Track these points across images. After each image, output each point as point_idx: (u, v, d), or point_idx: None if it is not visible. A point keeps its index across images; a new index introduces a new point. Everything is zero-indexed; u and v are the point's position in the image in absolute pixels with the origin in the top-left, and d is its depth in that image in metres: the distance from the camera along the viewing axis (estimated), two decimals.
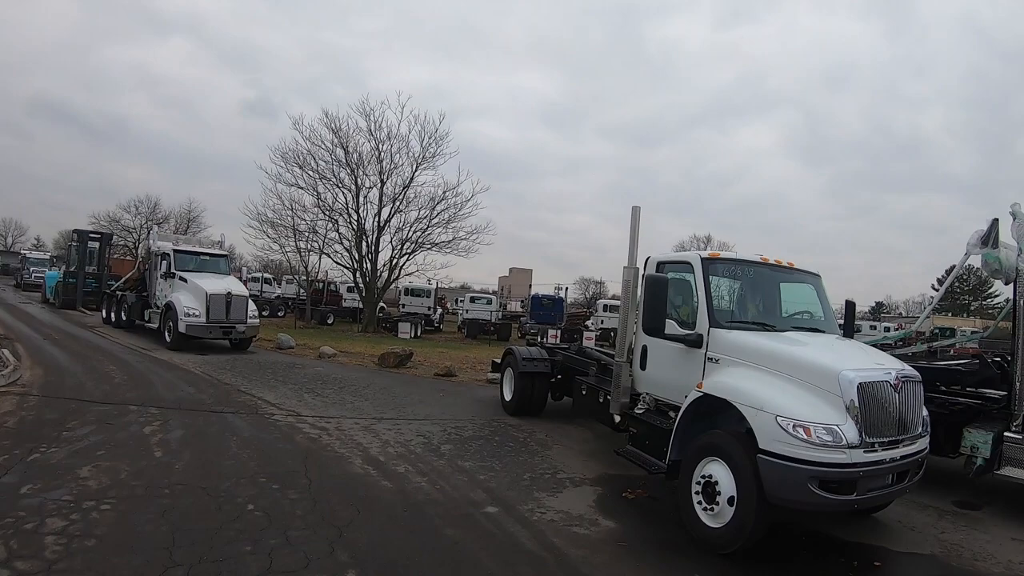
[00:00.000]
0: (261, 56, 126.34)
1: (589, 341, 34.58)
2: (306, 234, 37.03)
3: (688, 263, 8.01)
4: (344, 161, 36.71)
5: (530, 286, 47.76)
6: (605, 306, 46.53)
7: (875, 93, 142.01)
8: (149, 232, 26.25)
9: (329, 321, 38.78)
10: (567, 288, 50.82)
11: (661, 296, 7.64)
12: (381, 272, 37.83)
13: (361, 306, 39.00)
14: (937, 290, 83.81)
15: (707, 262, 7.87)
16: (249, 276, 46.94)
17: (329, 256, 37.80)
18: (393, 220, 37.72)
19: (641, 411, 8.35)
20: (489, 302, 43.61)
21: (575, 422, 12.23)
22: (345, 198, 37.22)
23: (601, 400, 9.53)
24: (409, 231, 37.50)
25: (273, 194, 36.59)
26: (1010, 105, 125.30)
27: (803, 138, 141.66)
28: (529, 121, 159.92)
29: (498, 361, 13.88)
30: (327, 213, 36.97)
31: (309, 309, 38.77)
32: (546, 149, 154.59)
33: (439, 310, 44.96)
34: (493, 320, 40.65)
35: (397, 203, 37.44)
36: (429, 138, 37.48)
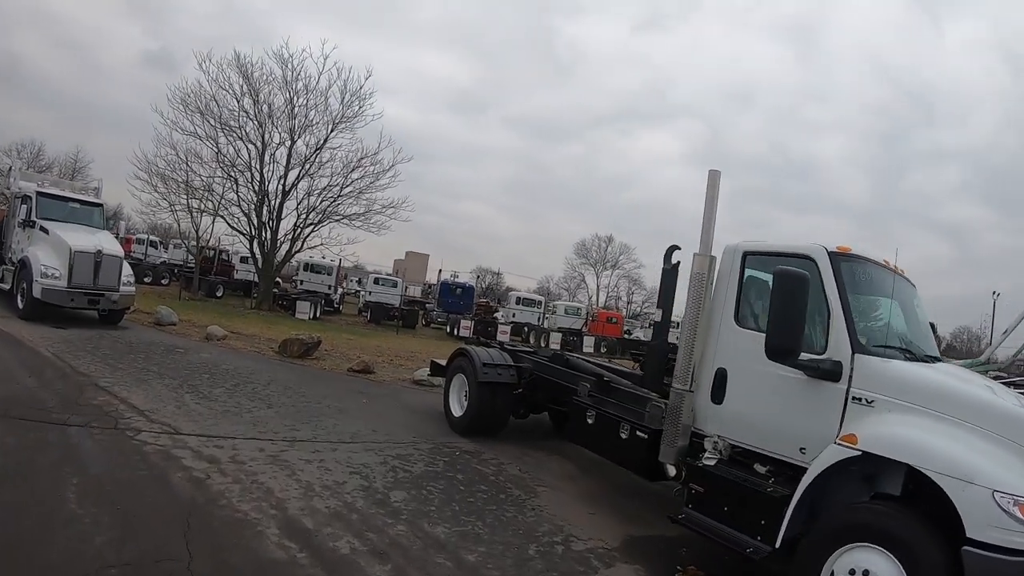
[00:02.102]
0: (166, 4, 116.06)
1: (504, 336, 32.08)
2: (200, 191, 32.13)
3: (809, 258, 5.54)
4: (252, 112, 32.06)
5: (440, 271, 44.51)
6: (518, 299, 43.74)
7: (777, 114, 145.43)
8: (10, 169, 21.49)
9: (218, 294, 34.34)
10: (477, 276, 47.99)
11: (801, 302, 5.08)
12: (281, 242, 33.48)
13: (256, 279, 34.61)
14: None
15: (838, 259, 5.50)
16: (127, 235, 41.77)
17: (225, 220, 32.95)
18: (301, 184, 33.43)
19: (712, 462, 5.74)
20: (395, 285, 39.95)
21: (542, 445, 9.55)
22: (249, 153, 32.54)
23: (625, 436, 6.82)
24: (317, 199, 33.32)
25: (167, 144, 31.36)
26: (905, 141, 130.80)
27: (703, 149, 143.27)
28: (433, 104, 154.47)
29: (440, 363, 10.89)
30: (227, 169, 32.16)
31: (197, 279, 34.18)
32: (448, 134, 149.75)
33: (339, 290, 41.19)
34: (399, 305, 37.17)
35: (307, 165, 33.16)
36: (351, 96, 33.22)
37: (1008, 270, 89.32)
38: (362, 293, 44.38)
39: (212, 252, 38.84)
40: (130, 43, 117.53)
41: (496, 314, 44.03)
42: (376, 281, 40.23)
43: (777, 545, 4.90)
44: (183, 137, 31.43)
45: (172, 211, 32.83)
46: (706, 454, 5.84)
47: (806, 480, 4.88)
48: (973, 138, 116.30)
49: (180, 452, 6.64)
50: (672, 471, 6.21)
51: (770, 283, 6.07)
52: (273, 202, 32.99)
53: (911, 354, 5.47)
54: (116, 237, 19.11)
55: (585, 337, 37.67)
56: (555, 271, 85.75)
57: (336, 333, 24.11)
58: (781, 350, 5.19)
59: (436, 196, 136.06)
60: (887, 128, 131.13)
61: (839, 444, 4.78)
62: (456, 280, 44.01)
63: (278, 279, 37.66)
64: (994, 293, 49.87)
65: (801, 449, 5.14)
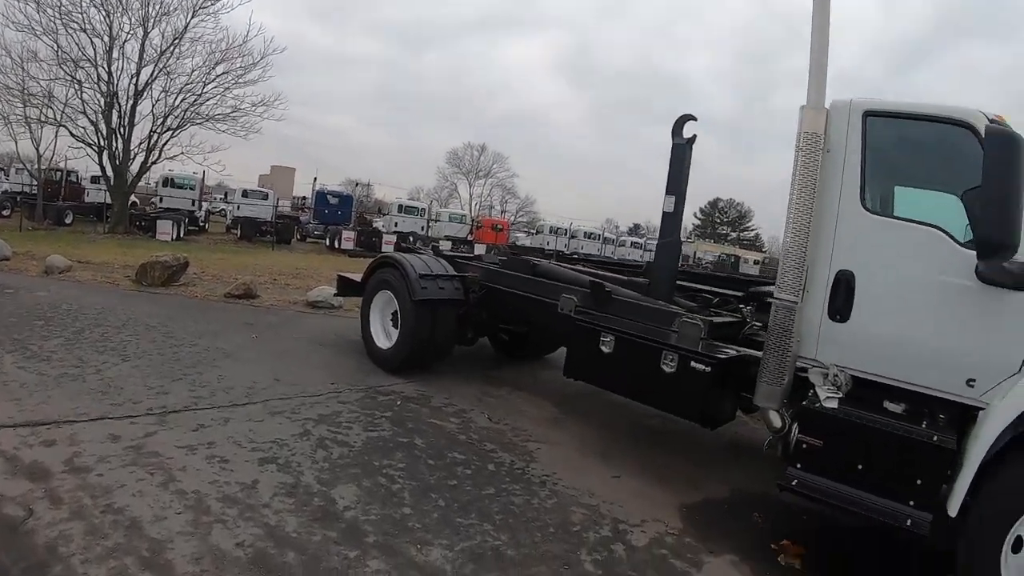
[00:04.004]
0: None
1: (389, 246, 29.05)
2: (39, 98, 25.57)
3: (967, 126, 3.79)
4: None
5: (315, 179, 40.03)
6: (400, 207, 40.29)
7: (647, 30, 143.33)
8: None
9: (67, 221, 28.77)
10: (357, 184, 44.06)
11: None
12: (136, 153, 27.54)
13: (109, 201, 29.42)
14: (699, 218, 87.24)
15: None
16: None
17: (68, 130, 26.54)
18: (156, 83, 27.29)
19: (834, 403, 3.86)
20: (266, 197, 35.31)
21: (493, 377, 7.50)
22: (94, 48, 25.91)
23: (672, 370, 4.62)
24: (176, 99, 27.38)
25: None
26: (773, 61, 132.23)
27: (571, 61, 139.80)
28: (292, 9, 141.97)
29: (352, 277, 8.24)
30: (69, 69, 25.57)
31: (41, 205, 28.66)
32: (310, 43, 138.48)
33: (204, 206, 36.42)
34: (272, 219, 33.00)
35: (164, 60, 26.97)
36: None
37: None
38: (229, 209, 39.64)
39: (58, 174, 33.06)
40: None
41: (376, 224, 40.68)
42: (245, 194, 35.39)
43: (955, 512, 3.38)
44: (16, 36, 24.87)
45: (7, 124, 26.27)
46: (823, 392, 3.88)
47: (1000, 422, 3.33)
48: (838, 62, 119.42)
49: None
50: (776, 420, 4.11)
51: (905, 153, 4.35)
52: (124, 105, 26.97)
53: None
54: None
55: (476, 245, 35.08)
56: (426, 182, 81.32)
57: (205, 253, 20.49)
58: (1000, 244, 3.52)
59: (301, 109, 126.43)
60: (756, 48, 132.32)
61: None
62: (333, 189, 40.07)
63: (135, 199, 32.60)
64: None
65: (969, 381, 3.66)
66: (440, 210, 45.05)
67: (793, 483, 3.81)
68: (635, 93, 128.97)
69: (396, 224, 37.24)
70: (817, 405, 3.86)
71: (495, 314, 7.23)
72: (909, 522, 3.48)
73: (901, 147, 4.27)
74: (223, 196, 45.37)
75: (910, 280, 3.88)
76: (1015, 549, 3.25)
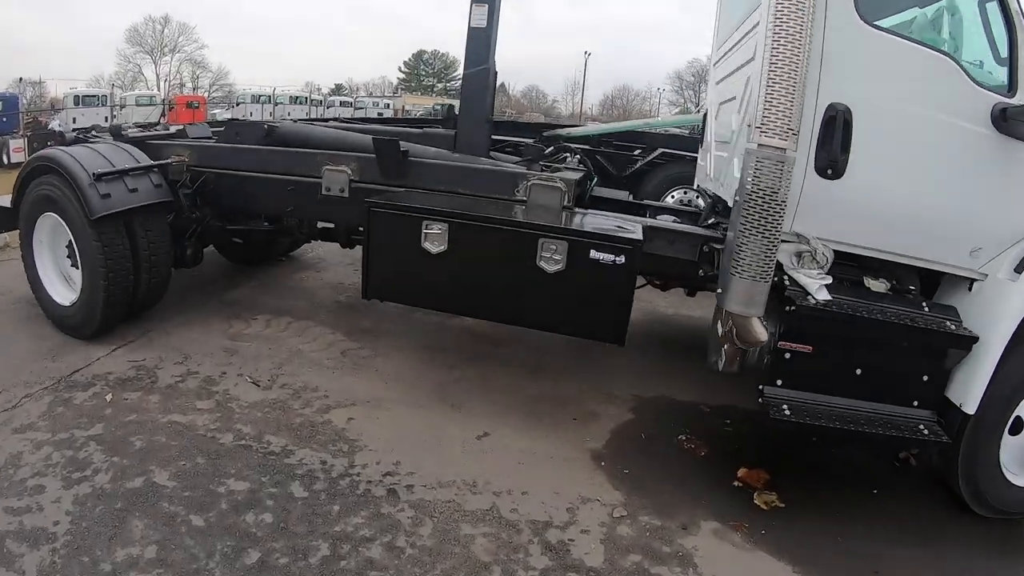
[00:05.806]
0: None
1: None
2: None
3: None
4: None
5: None
6: (77, 98, 32.74)
7: None
8: None
9: None
10: (21, 80, 35.09)
11: None
12: None
13: None
14: (404, 71, 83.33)
15: None
16: None
17: None
18: None
19: (825, 295, 2.58)
20: None
21: (235, 303, 5.01)
22: None
23: (556, 268, 2.90)
24: None
25: None
26: None
27: None
28: None
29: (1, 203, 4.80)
30: None
31: None
32: None
33: None
34: None
35: None
36: None
37: (562, 36, 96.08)
38: None
39: None
40: None
41: (52, 124, 33.13)
42: None
43: (974, 408, 2.60)
44: None
45: None
46: (806, 278, 2.65)
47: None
48: None
49: None
50: (762, 331, 2.64)
51: None
52: None
53: None
54: None
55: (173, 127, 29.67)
56: (106, 69, 67.45)
57: None
58: None
59: None
60: None
61: None
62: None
63: None
64: (586, 53, 56.38)
65: (973, 252, 2.70)
66: (126, 95, 37.61)
67: (786, 412, 2.56)
68: None
69: (75, 120, 30.05)
70: (811, 299, 2.54)
71: (221, 212, 4.67)
72: (924, 429, 2.67)
73: None
74: None
75: (920, 123, 2.61)
76: (1013, 431, 2.81)
